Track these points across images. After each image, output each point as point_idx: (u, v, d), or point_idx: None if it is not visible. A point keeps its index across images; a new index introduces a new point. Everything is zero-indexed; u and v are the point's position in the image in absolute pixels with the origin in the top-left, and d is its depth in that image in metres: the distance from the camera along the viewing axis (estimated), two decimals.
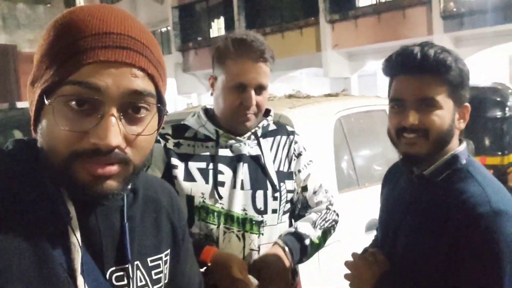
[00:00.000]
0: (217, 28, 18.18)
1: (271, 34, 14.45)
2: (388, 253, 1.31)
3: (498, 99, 4.98)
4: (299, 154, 1.56)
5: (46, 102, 0.65)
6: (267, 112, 1.53)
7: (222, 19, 17.80)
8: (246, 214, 1.42)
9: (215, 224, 1.40)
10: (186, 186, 1.40)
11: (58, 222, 0.67)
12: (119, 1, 21.70)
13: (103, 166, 0.65)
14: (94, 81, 0.63)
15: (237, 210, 1.41)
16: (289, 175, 1.52)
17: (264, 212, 1.44)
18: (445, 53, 1.18)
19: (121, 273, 0.75)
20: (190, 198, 1.41)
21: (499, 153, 4.71)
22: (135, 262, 0.77)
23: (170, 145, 1.43)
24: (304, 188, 1.55)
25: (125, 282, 0.75)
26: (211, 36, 18.21)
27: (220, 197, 1.40)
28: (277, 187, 1.45)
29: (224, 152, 1.45)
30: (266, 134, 1.52)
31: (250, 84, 1.37)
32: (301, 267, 1.64)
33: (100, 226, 0.73)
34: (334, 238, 1.70)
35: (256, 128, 1.48)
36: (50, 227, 0.66)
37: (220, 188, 1.41)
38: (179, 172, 1.41)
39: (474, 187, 1.14)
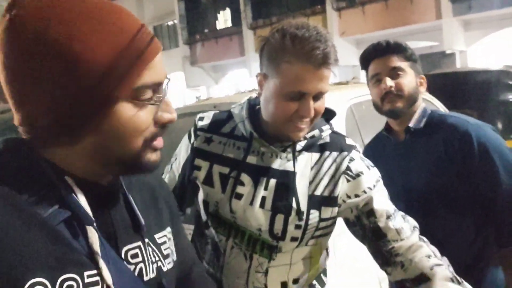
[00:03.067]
0: (224, 19, 18.15)
1: (277, 23, 14.41)
2: (405, 197, 1.63)
3: (510, 82, 4.92)
4: (357, 175, 1.24)
5: (134, 101, 0.69)
6: (328, 118, 1.32)
7: (228, 10, 17.77)
8: (260, 235, 1.25)
9: (224, 236, 1.30)
10: (204, 189, 1.31)
11: (70, 209, 0.68)
12: None
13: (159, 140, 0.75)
14: (160, 78, 0.71)
15: (251, 228, 1.26)
16: (329, 201, 1.24)
17: (281, 238, 1.23)
18: (400, 41, 1.68)
19: (136, 250, 0.77)
20: (205, 203, 1.33)
21: None
22: (145, 239, 0.80)
23: (199, 142, 1.33)
24: (371, 213, 1.23)
25: (140, 258, 0.77)
26: (218, 28, 18.20)
27: (232, 211, 1.27)
28: (303, 215, 1.22)
29: (253, 159, 1.26)
30: (313, 147, 1.27)
31: (310, 92, 1.13)
32: None
33: (108, 206, 0.76)
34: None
35: (300, 139, 1.23)
36: (63, 215, 0.67)
37: (235, 201, 1.26)
38: (201, 174, 1.31)
39: (452, 119, 1.64)
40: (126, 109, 0.68)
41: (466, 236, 1.62)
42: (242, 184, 1.26)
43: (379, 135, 1.88)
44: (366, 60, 1.71)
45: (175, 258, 0.88)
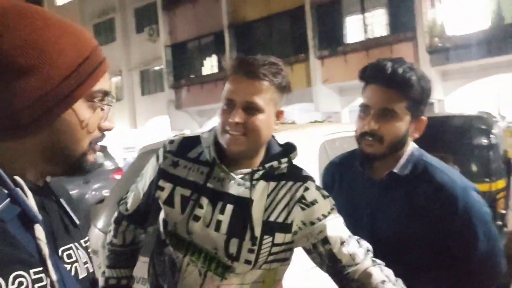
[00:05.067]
0: (210, 65, 18.49)
1: None
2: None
3: (484, 127, 5.03)
4: (312, 203, 1.30)
5: (87, 103, 0.78)
6: (288, 151, 1.36)
7: (214, 57, 18.13)
8: (216, 253, 1.29)
9: (181, 254, 1.33)
10: (165, 209, 1.36)
11: (20, 210, 0.72)
12: (113, 41, 22.13)
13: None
14: (108, 88, 0.82)
15: (208, 247, 1.30)
16: (282, 227, 1.29)
17: (236, 259, 1.28)
18: (411, 72, 1.41)
19: (70, 251, 0.83)
20: (164, 222, 1.37)
21: (487, 180, 4.71)
22: (75, 243, 0.85)
23: (166, 164, 1.38)
24: (325, 241, 1.28)
25: (75, 258, 0.83)
26: (203, 73, 18.51)
27: (189, 232, 1.31)
28: (257, 240, 1.27)
29: (213, 183, 1.31)
30: (270, 176, 1.32)
31: (237, 101, 1.22)
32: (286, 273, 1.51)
33: (47, 209, 0.80)
34: None
35: (259, 168, 1.30)
36: (15, 211, 0.71)
37: (192, 223, 1.30)
38: (164, 194, 1.36)
39: (439, 174, 1.45)
40: (82, 109, 0.77)
41: None
42: (201, 207, 1.31)
43: (351, 163, 1.64)
44: (365, 79, 1.51)
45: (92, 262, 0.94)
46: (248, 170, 1.30)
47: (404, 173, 1.48)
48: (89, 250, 0.91)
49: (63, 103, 0.74)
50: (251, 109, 1.23)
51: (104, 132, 0.84)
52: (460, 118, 5.40)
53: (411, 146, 1.51)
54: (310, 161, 2.47)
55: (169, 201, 1.35)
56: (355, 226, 1.37)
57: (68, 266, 0.80)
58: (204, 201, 1.30)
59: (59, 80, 0.73)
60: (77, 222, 0.86)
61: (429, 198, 1.43)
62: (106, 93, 0.81)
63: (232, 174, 1.30)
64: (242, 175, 1.30)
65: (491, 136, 4.95)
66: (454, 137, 4.99)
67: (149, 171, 1.44)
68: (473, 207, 1.42)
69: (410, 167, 1.48)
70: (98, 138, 0.83)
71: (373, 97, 1.45)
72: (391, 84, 1.40)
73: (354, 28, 14.18)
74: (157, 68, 20.99)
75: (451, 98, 13.06)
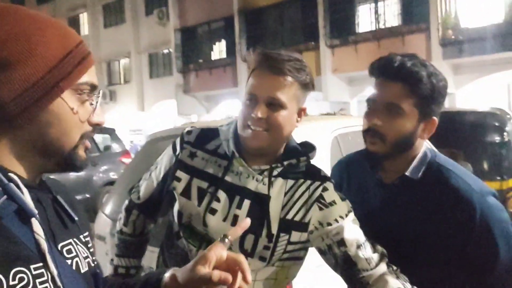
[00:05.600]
0: (219, 51, 18.40)
1: None
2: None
3: (497, 124, 4.95)
4: (330, 204, 1.29)
5: (74, 96, 0.79)
6: (307, 150, 1.35)
7: (223, 42, 18.02)
8: (230, 249, 1.24)
9: (195, 247, 1.32)
10: (181, 201, 1.34)
11: (17, 207, 0.72)
12: (123, 23, 22.02)
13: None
14: (96, 82, 0.83)
15: None
16: (299, 226, 1.29)
17: (250, 255, 1.26)
18: (421, 67, 1.32)
19: (69, 247, 0.83)
20: (179, 214, 1.35)
21: (498, 178, 4.66)
22: (74, 239, 0.86)
23: (184, 154, 1.37)
24: (341, 243, 1.27)
25: (75, 253, 0.84)
26: (212, 58, 18.42)
27: (205, 225, 1.29)
28: (273, 237, 1.27)
29: (231, 177, 1.31)
30: (288, 174, 1.31)
31: (260, 96, 1.21)
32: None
33: (44, 205, 0.81)
34: None
35: (277, 165, 1.29)
36: (12, 207, 0.72)
37: (209, 216, 1.29)
38: (180, 185, 1.35)
39: (454, 179, 1.34)
40: (68, 100, 0.78)
41: None
42: (218, 200, 1.30)
43: (361, 163, 1.56)
44: (374, 73, 1.42)
45: (94, 257, 0.95)
46: (267, 166, 1.29)
47: (416, 177, 1.39)
48: (89, 246, 0.91)
49: (50, 93, 0.75)
50: (274, 105, 1.22)
51: (95, 128, 0.84)
52: (472, 113, 5.33)
53: (424, 147, 1.42)
54: (322, 155, 2.42)
55: (186, 193, 1.34)
56: (363, 228, 1.34)
57: (69, 261, 0.81)
58: (222, 194, 1.30)
59: (45, 71, 0.75)
60: (75, 218, 0.87)
61: (444, 204, 1.34)
62: (94, 87, 0.82)
63: (251, 169, 1.29)
64: (260, 171, 1.29)
65: (504, 133, 4.88)
66: (466, 133, 4.94)
67: (164, 161, 1.44)
68: (491, 214, 1.31)
69: (422, 170, 1.39)
70: (88, 133, 0.83)
71: (378, 92, 1.37)
72: (397, 77, 1.32)
73: (366, 17, 13.98)
74: (166, 51, 20.91)
75: (462, 92, 12.91)
